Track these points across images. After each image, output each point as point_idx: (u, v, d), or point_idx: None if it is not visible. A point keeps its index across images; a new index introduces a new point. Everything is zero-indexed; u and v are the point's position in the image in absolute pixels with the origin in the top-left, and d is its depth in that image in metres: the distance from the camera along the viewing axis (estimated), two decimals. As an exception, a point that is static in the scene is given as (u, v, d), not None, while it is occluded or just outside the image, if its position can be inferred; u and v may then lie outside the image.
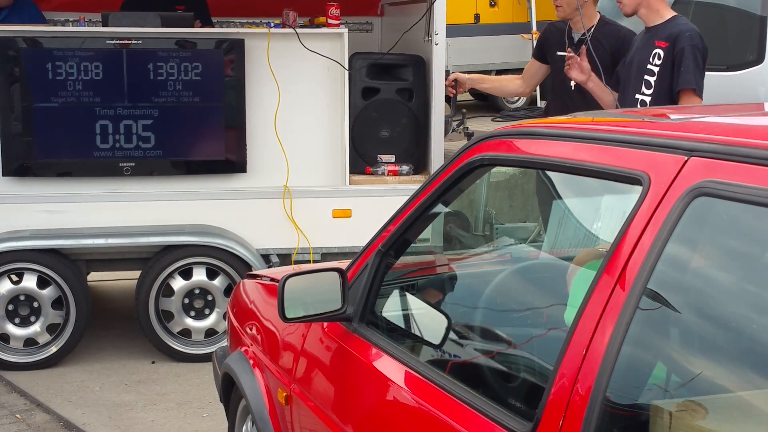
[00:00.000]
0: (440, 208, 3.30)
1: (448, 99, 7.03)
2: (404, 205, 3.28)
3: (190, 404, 5.85)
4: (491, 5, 15.46)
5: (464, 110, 11.74)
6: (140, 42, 6.46)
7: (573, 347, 2.34)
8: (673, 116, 2.95)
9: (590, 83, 5.72)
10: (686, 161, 2.28)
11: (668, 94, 5.27)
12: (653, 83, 5.32)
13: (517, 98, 15.49)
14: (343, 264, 3.57)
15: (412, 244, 3.45)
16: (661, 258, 2.23)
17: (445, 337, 3.09)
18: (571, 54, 5.76)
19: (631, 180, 2.39)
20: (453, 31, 14.48)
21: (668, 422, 2.23)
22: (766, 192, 2.05)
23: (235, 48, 6.52)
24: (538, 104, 14.37)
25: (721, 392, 2.25)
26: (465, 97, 16.79)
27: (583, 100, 5.98)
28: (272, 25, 6.75)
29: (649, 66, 5.35)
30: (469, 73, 7.71)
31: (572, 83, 6.17)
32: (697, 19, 9.39)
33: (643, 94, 5.37)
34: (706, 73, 6.62)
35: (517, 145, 2.91)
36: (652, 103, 5.31)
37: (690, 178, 2.25)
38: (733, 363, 2.24)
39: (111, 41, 6.44)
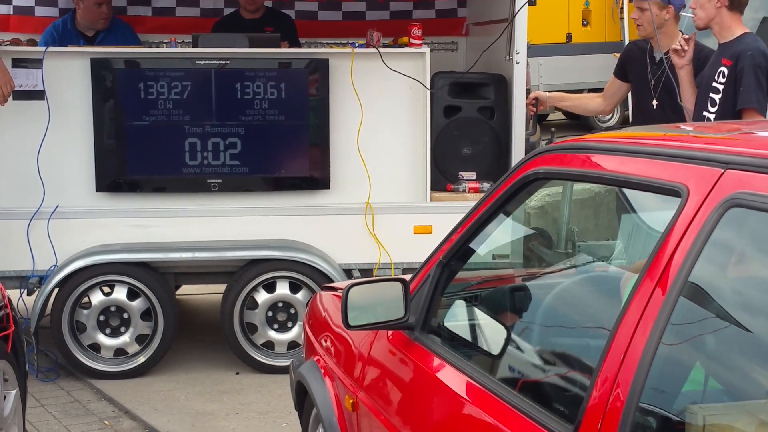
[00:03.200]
0: (500, 220, 3.39)
1: (530, 117, 7.09)
2: (464, 218, 3.39)
3: (271, 414, 6.00)
4: (584, 24, 15.51)
5: (553, 129, 11.82)
6: (228, 62, 6.66)
7: (612, 352, 2.42)
8: (717, 129, 3.01)
9: (683, 71, 5.69)
10: (722, 173, 2.35)
11: (731, 111, 5.27)
12: (718, 101, 5.34)
13: (609, 117, 15.49)
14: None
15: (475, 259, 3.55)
16: (695, 266, 2.30)
17: (501, 346, 3.18)
18: (683, 41, 5.69)
19: (671, 192, 2.46)
20: (545, 50, 14.61)
21: (702, 426, 2.29)
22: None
23: (320, 68, 6.69)
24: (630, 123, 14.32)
25: (756, 397, 2.31)
26: (557, 116, 16.85)
27: (664, 119, 6.00)
28: (356, 45, 6.90)
29: (714, 84, 5.37)
30: (557, 92, 7.80)
31: (654, 102, 6.20)
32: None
33: (709, 111, 5.39)
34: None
35: (570, 160, 3.00)
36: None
37: (725, 189, 2.32)
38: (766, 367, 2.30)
39: (201, 62, 6.66)
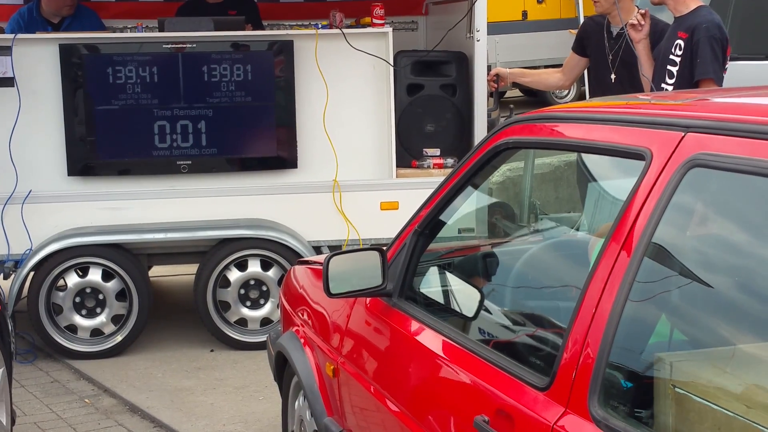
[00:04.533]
0: (472, 188, 3.56)
1: (491, 93, 7.26)
2: (438, 188, 3.55)
3: (247, 388, 6.15)
4: (539, 2, 15.71)
5: (512, 106, 12.02)
6: (195, 45, 6.77)
7: (583, 308, 2.59)
8: (676, 97, 3.19)
9: (640, 45, 5.87)
10: (683, 137, 2.53)
11: (689, 83, 5.47)
12: (675, 73, 5.53)
13: (566, 93, 15.73)
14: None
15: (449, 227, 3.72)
16: (660, 223, 2.48)
17: (476, 308, 3.36)
18: (640, 16, 5.86)
19: (636, 155, 2.64)
20: (501, 28, 14.80)
21: (669, 372, 2.48)
22: (749, 161, 2.30)
23: (285, 49, 6.81)
24: (587, 98, 14.55)
25: (716, 345, 2.50)
26: (514, 93, 17.06)
27: (622, 92, 6.18)
28: (320, 26, 7.03)
29: (671, 56, 5.56)
30: (517, 68, 7.98)
31: (612, 76, 6.38)
32: (739, 9, 9.56)
33: (666, 83, 5.58)
34: (747, 62, 6.78)
35: (538, 129, 3.17)
36: None
37: (686, 151, 2.49)
38: (728, 317, 2.48)
39: (167, 45, 6.77)
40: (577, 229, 4.14)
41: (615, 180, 3.34)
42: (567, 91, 15.46)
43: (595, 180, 4.01)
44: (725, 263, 2.50)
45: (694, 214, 2.56)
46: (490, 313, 3.38)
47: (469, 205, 3.69)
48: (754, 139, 2.31)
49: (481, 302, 3.40)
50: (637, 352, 2.60)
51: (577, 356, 2.57)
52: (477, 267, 3.90)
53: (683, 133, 2.53)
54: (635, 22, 5.86)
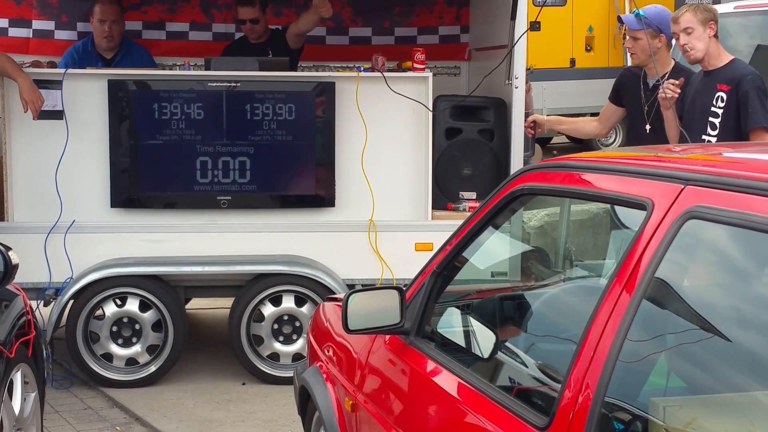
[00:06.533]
0: (489, 233, 3.67)
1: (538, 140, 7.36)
2: (457, 231, 3.66)
3: (275, 422, 6.25)
4: (587, 50, 15.81)
5: (555, 152, 12.07)
6: (239, 85, 6.94)
7: (584, 351, 2.68)
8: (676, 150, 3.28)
9: (669, 111, 5.96)
10: (683, 189, 2.62)
11: (732, 133, 5.57)
12: (718, 125, 5.63)
13: (612, 141, 15.79)
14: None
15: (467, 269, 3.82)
16: (657, 271, 2.57)
17: (488, 349, 3.45)
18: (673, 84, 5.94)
19: (638, 205, 2.74)
20: (549, 74, 14.90)
21: (662, 416, 2.55)
22: (740, 214, 2.39)
23: (327, 90, 6.97)
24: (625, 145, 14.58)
25: (709, 391, 2.57)
26: (561, 139, 17.13)
27: (656, 142, 6.26)
28: (362, 69, 7.18)
29: (713, 109, 5.66)
30: (554, 115, 8.06)
31: (647, 127, 6.46)
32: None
33: (709, 135, 5.67)
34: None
35: (551, 177, 3.27)
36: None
37: (685, 203, 2.59)
38: (720, 364, 2.56)
39: (212, 84, 6.94)
40: (595, 277, 4.23)
41: (630, 228, 3.44)
42: (612, 138, 15.53)
43: (618, 228, 4.10)
44: (719, 312, 2.59)
45: (690, 264, 2.64)
46: (501, 353, 3.47)
47: (487, 248, 3.79)
48: (745, 193, 2.40)
49: (492, 343, 3.49)
50: (632, 396, 2.68)
51: (576, 397, 2.65)
52: (491, 309, 3.99)
53: (683, 186, 2.63)
54: (670, 94, 5.87)
